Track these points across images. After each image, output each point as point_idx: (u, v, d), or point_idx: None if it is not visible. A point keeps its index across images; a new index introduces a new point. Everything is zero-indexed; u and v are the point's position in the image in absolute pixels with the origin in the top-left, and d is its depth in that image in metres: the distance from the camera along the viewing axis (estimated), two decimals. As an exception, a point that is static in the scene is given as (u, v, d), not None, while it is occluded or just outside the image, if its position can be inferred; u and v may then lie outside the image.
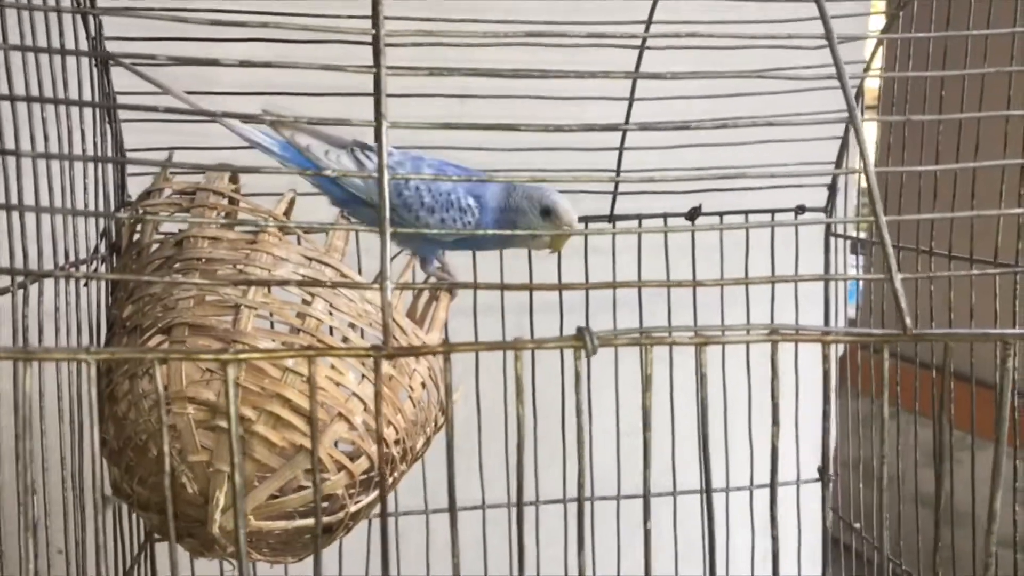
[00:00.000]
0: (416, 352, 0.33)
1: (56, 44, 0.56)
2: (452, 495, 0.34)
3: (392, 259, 0.80)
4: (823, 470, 0.81)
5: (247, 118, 0.59)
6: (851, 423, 0.80)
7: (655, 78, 0.43)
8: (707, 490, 0.36)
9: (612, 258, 0.80)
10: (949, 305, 0.63)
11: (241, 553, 0.33)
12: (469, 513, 0.80)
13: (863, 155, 0.39)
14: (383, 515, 0.36)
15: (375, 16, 0.38)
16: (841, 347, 0.91)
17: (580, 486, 0.35)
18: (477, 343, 0.34)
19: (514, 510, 0.82)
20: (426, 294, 0.71)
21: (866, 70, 0.76)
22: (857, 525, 0.79)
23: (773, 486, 0.35)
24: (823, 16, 0.42)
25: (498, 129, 0.39)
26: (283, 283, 0.41)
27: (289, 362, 0.55)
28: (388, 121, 0.37)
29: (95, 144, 0.63)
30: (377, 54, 0.37)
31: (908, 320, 0.35)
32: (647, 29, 0.72)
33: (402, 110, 0.73)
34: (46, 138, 0.54)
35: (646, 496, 0.35)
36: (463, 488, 0.80)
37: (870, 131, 0.81)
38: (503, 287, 0.36)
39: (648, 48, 0.72)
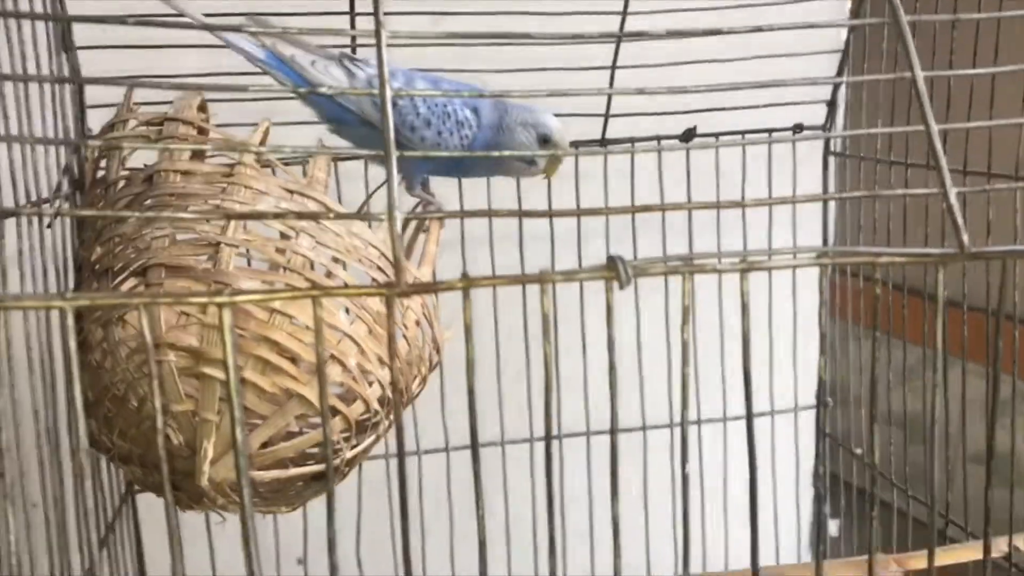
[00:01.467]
0: (432, 288, 0.30)
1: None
2: (474, 436, 0.32)
3: (372, 193, 0.77)
4: (820, 395, 0.79)
5: (229, 28, 0.54)
6: (851, 354, 0.78)
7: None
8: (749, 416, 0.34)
9: (604, 183, 0.76)
10: (987, 222, 0.61)
11: (247, 512, 0.30)
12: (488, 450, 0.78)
13: (908, 52, 0.36)
14: (400, 455, 0.33)
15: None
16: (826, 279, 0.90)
17: (613, 417, 0.32)
18: (499, 277, 0.31)
19: (535, 445, 0.80)
20: (412, 225, 0.67)
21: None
22: (858, 451, 0.78)
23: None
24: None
25: (503, 41, 0.35)
26: (279, 215, 0.37)
27: (276, 304, 0.52)
28: (388, 31, 0.33)
29: (51, 72, 0.57)
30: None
31: (965, 237, 0.32)
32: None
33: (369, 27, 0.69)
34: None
35: (684, 438, 0.32)
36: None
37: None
38: (521, 214, 0.32)
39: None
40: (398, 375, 0.30)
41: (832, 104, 0.78)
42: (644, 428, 0.81)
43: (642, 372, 0.79)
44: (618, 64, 0.73)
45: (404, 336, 0.58)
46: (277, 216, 0.39)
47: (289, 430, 0.54)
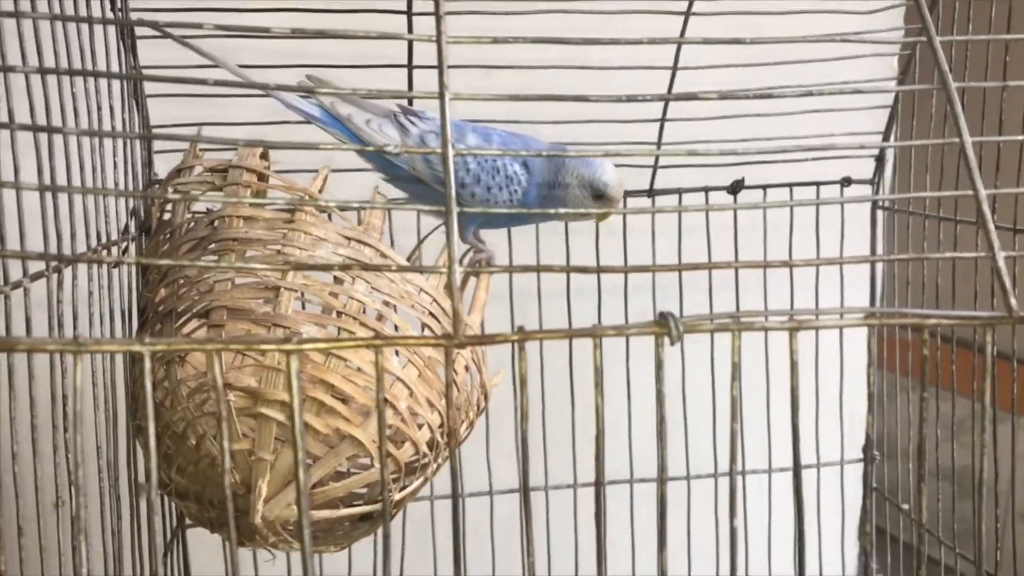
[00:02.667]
0: (488, 341, 0.31)
1: (84, 18, 0.53)
2: (525, 482, 0.32)
3: (422, 240, 0.78)
4: (867, 450, 0.79)
5: (293, 90, 0.56)
6: (898, 405, 0.78)
7: (702, 43, 0.41)
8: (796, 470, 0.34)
9: (652, 237, 0.77)
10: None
11: (306, 554, 0.31)
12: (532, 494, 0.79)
13: (957, 119, 0.37)
14: (454, 499, 0.34)
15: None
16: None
17: (662, 468, 0.33)
18: (553, 331, 0.32)
19: (578, 491, 0.81)
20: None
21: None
22: (905, 506, 0.77)
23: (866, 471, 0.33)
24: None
25: (565, 100, 0.37)
26: (345, 267, 0.39)
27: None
28: (451, 92, 0.34)
29: (123, 121, 0.60)
30: (439, 21, 0.35)
31: (1013, 301, 0.33)
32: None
33: (423, 80, 0.71)
34: (76, 114, 0.52)
35: (732, 493, 0.33)
36: (501, 471, 0.79)
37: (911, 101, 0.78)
38: (569, 270, 0.34)
39: (694, 14, 0.69)
40: (455, 423, 0.31)
41: (880, 159, 0.78)
42: (688, 478, 0.81)
43: (687, 423, 0.80)
44: (668, 117, 0.74)
45: (454, 381, 0.59)
46: (343, 268, 0.40)
47: (340, 470, 0.56)
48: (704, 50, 0.76)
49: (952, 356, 0.68)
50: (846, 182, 0.78)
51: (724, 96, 0.36)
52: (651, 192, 0.79)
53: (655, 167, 0.78)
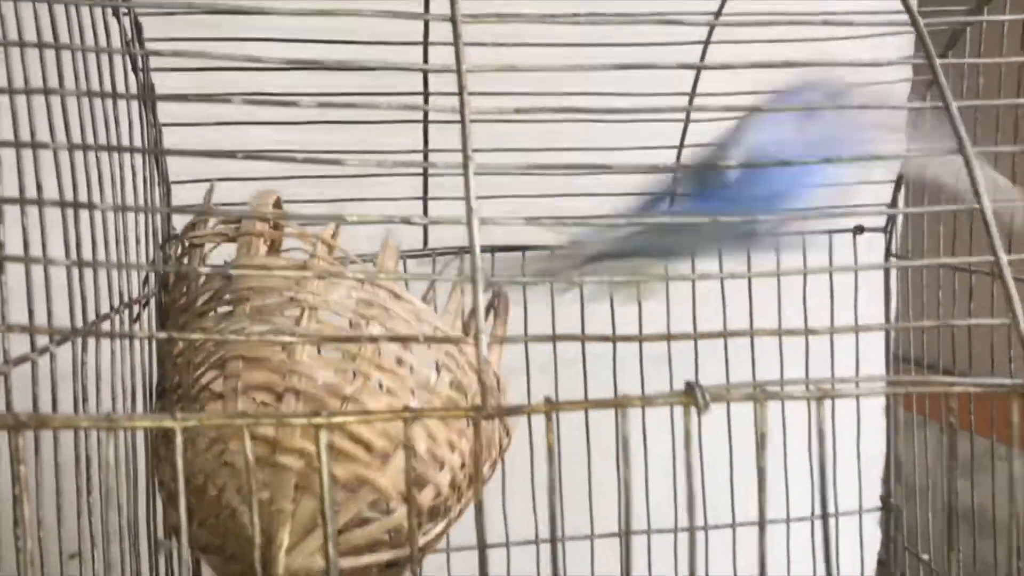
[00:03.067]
0: (517, 412, 0.31)
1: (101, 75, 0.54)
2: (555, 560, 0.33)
3: (433, 282, 0.79)
4: (886, 498, 0.78)
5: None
6: (915, 445, 0.77)
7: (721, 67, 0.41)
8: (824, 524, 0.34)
9: (666, 304, 0.76)
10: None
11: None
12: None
13: (974, 183, 0.37)
14: (480, 547, 0.34)
15: (457, 59, 0.36)
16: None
17: (691, 548, 0.33)
18: (584, 401, 0.32)
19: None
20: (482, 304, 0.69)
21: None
22: (925, 556, 0.77)
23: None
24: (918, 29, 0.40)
25: (586, 171, 0.37)
26: (373, 340, 0.39)
27: (347, 390, 0.53)
28: (475, 163, 0.35)
29: (145, 179, 0.61)
30: (461, 93, 0.35)
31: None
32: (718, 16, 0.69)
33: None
34: (100, 176, 0.52)
35: (763, 564, 0.33)
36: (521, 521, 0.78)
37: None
38: (584, 339, 0.34)
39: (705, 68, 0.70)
40: (480, 495, 0.31)
41: (893, 206, 0.78)
42: (706, 528, 0.81)
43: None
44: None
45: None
46: (373, 339, 0.40)
47: (361, 517, 0.56)
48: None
49: (970, 395, 0.68)
50: (859, 230, 0.78)
51: (742, 165, 0.36)
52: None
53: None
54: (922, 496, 0.75)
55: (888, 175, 0.76)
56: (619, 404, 0.32)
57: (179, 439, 0.30)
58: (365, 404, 0.53)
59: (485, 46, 0.51)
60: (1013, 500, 0.33)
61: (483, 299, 0.67)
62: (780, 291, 0.77)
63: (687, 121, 0.72)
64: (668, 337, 0.35)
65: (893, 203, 0.78)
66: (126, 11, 0.59)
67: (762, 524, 0.33)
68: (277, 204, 0.65)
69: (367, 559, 0.56)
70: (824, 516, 0.33)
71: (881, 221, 0.79)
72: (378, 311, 0.55)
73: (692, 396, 0.32)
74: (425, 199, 0.76)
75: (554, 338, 0.34)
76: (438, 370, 0.57)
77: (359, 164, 0.36)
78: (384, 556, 0.56)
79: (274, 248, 0.67)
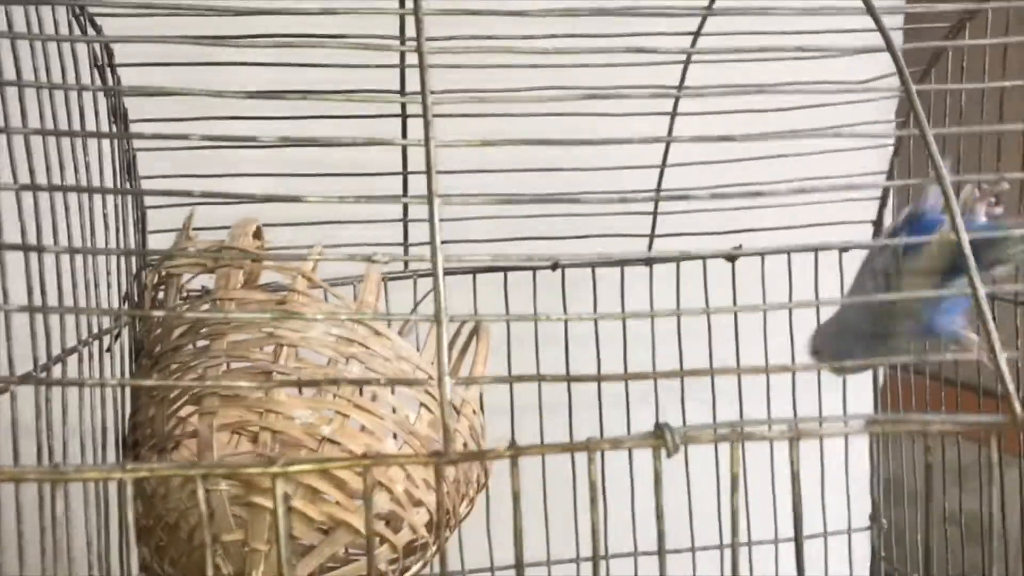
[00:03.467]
0: (481, 457, 0.31)
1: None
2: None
3: (417, 304, 0.78)
4: (874, 517, 0.77)
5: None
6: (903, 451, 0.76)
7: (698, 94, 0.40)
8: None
9: (652, 342, 0.76)
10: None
11: None
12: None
13: (952, 216, 0.36)
14: None
15: (423, 86, 0.36)
16: (881, 377, 0.88)
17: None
18: (548, 445, 0.31)
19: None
20: (463, 336, 0.68)
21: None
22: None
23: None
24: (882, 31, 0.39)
25: (557, 201, 0.36)
26: (333, 383, 0.38)
27: (325, 430, 0.52)
28: (439, 198, 0.34)
29: (116, 206, 0.60)
30: (427, 126, 0.35)
31: (1017, 406, 0.32)
32: (693, 44, 0.69)
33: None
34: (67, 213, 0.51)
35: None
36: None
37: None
38: (570, 379, 0.33)
39: (685, 98, 0.70)
40: (443, 545, 0.30)
41: (878, 224, 0.78)
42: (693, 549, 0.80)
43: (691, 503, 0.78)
44: (663, 188, 0.74)
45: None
46: (333, 383, 0.40)
47: (337, 558, 0.55)
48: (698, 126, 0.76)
49: (957, 399, 0.67)
50: (844, 249, 0.77)
51: (715, 195, 0.35)
52: (649, 261, 0.78)
53: (652, 236, 0.77)
54: (911, 498, 0.74)
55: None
56: (586, 448, 0.31)
57: (129, 491, 0.29)
58: (343, 445, 0.52)
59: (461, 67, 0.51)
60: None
61: (464, 330, 0.67)
62: (766, 323, 0.77)
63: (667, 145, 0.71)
64: (654, 376, 0.33)
65: (878, 219, 0.77)
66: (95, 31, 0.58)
67: (735, 565, 0.32)
68: (257, 232, 0.64)
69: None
70: (798, 550, 0.32)
71: (866, 238, 0.79)
72: (357, 349, 0.55)
73: (661, 438, 0.31)
74: (405, 221, 0.75)
75: (539, 379, 0.33)
76: (419, 410, 0.56)
77: (321, 199, 0.35)
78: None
79: (252, 279, 0.66)
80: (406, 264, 0.76)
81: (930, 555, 0.34)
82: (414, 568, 0.57)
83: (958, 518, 0.73)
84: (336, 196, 0.35)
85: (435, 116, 0.35)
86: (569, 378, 0.33)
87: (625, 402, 0.75)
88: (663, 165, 0.74)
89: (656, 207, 0.76)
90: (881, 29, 0.41)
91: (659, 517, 0.32)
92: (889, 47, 0.40)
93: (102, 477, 0.28)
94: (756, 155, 0.69)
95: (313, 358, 0.55)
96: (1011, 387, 0.32)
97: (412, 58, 0.67)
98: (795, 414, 0.72)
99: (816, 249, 0.78)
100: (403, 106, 0.68)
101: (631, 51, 0.42)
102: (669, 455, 0.31)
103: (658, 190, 0.75)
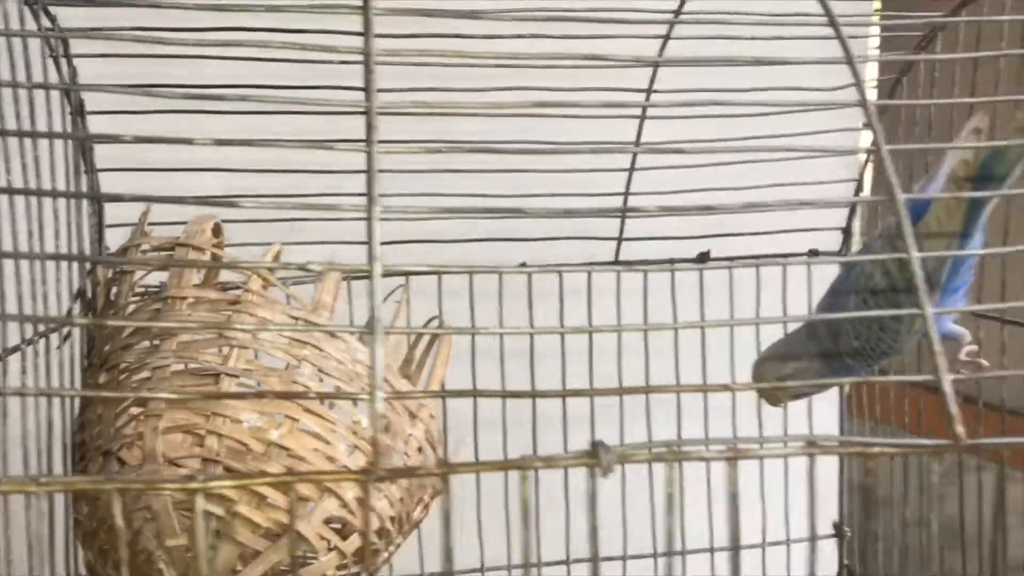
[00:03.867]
0: (411, 473, 0.30)
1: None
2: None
3: (384, 299, 0.77)
4: (839, 526, 0.77)
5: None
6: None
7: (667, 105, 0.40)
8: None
9: (589, 360, 0.75)
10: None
11: None
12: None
13: (905, 236, 0.36)
14: None
15: (368, 87, 0.35)
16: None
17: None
18: (480, 463, 0.30)
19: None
20: (424, 341, 0.67)
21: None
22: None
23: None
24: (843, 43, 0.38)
25: (503, 215, 0.35)
26: (260, 396, 0.37)
27: (274, 435, 0.52)
28: (380, 207, 0.33)
29: (67, 207, 0.59)
30: (369, 130, 0.34)
31: (959, 429, 0.32)
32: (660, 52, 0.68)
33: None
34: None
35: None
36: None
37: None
38: (505, 395, 0.32)
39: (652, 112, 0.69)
40: (371, 562, 0.29)
41: (847, 231, 0.77)
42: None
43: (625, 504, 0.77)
44: (631, 192, 0.73)
45: (405, 464, 0.57)
46: (256, 396, 0.39)
47: (284, 566, 0.54)
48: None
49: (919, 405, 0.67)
50: (812, 254, 0.77)
51: (666, 210, 0.35)
52: (616, 262, 0.78)
53: (620, 239, 0.77)
54: (885, 504, 0.73)
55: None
56: (519, 466, 0.30)
57: (44, 504, 0.28)
58: (292, 450, 0.51)
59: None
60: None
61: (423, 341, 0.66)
62: (733, 340, 0.76)
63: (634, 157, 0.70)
64: (591, 393, 0.33)
65: (848, 227, 0.77)
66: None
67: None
68: (217, 228, 0.63)
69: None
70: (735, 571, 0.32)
71: (835, 245, 0.78)
72: (311, 351, 0.54)
73: (596, 457, 0.31)
74: (369, 221, 0.73)
75: (474, 394, 0.32)
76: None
77: (256, 206, 0.34)
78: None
79: (212, 276, 0.65)
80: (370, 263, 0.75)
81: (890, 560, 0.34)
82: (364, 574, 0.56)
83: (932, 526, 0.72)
84: (272, 201, 0.34)
85: (412, 113, 0.34)
86: (505, 394, 0.32)
87: (590, 416, 0.74)
88: (631, 169, 0.74)
89: (624, 211, 0.76)
90: (841, 40, 0.40)
91: (593, 538, 0.31)
92: (849, 60, 0.40)
93: (14, 490, 0.27)
94: (725, 161, 0.69)
95: (266, 360, 0.54)
96: (954, 410, 0.32)
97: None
98: (759, 431, 0.72)
99: (784, 263, 0.77)
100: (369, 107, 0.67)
101: (591, 58, 0.41)
102: (604, 475, 0.31)
103: (626, 196, 0.75)
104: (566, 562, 0.77)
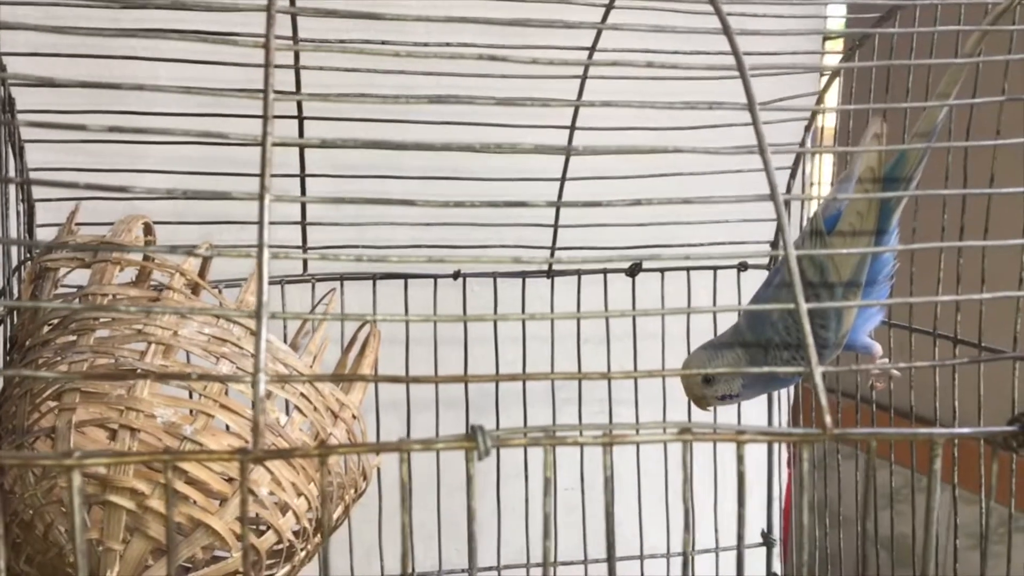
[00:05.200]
0: (288, 455, 0.30)
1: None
2: None
3: (314, 307, 0.78)
4: (767, 534, 0.78)
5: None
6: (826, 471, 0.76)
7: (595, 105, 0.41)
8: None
9: (551, 337, 0.76)
10: (909, 381, 0.61)
11: None
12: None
13: (783, 238, 0.37)
14: None
15: (266, 83, 0.35)
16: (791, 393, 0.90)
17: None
18: (357, 445, 0.31)
19: None
20: (356, 346, 0.67)
21: (819, 102, 0.74)
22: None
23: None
24: (745, 84, 0.40)
25: (396, 204, 0.36)
26: (143, 376, 0.37)
27: (188, 430, 0.52)
28: (271, 195, 0.34)
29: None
30: (265, 123, 0.34)
31: (828, 419, 0.33)
32: (590, 56, 0.69)
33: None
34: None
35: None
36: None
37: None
38: (377, 380, 0.33)
39: (589, 77, 0.70)
40: (247, 549, 0.29)
41: (775, 245, 0.79)
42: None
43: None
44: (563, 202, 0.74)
45: (328, 467, 0.58)
46: (126, 376, 0.39)
47: (197, 560, 0.54)
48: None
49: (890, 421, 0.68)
50: (743, 267, 0.78)
51: (590, 203, 0.36)
52: (550, 273, 0.79)
53: (553, 248, 0.78)
54: (833, 517, 0.74)
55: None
56: (399, 448, 0.31)
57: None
58: (205, 445, 0.51)
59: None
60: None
61: (362, 334, 0.66)
62: (665, 328, 0.77)
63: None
64: (466, 379, 0.34)
65: (775, 241, 0.79)
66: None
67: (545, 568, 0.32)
68: (148, 228, 0.63)
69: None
70: (611, 567, 0.33)
71: (764, 259, 0.80)
72: (230, 348, 0.54)
73: (474, 440, 0.31)
74: (304, 224, 0.74)
75: (347, 378, 0.33)
76: (288, 412, 0.56)
77: (146, 195, 0.35)
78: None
79: (143, 277, 0.65)
80: (305, 266, 0.76)
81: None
82: (280, 572, 0.56)
83: (887, 541, 0.73)
84: (165, 191, 0.34)
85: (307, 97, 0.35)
86: (378, 379, 0.33)
87: (435, 407, 0.76)
88: (563, 179, 0.75)
89: (557, 219, 0.77)
90: (735, 52, 0.41)
91: (470, 519, 0.32)
92: (741, 70, 0.41)
93: None
94: (657, 171, 0.70)
95: (184, 358, 0.54)
96: (823, 401, 0.33)
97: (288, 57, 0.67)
98: (637, 418, 0.73)
99: (715, 268, 0.79)
100: (299, 104, 0.68)
101: (527, 62, 0.42)
102: (480, 458, 0.31)
103: (559, 201, 0.75)
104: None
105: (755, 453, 0.82)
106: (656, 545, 0.82)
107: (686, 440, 0.32)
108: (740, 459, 0.33)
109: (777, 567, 0.84)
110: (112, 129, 0.34)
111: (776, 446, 0.83)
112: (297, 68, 0.65)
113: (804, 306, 0.34)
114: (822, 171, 0.79)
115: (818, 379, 0.33)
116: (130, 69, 0.68)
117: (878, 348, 0.62)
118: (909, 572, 0.67)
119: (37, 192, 0.68)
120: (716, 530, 0.81)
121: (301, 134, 0.68)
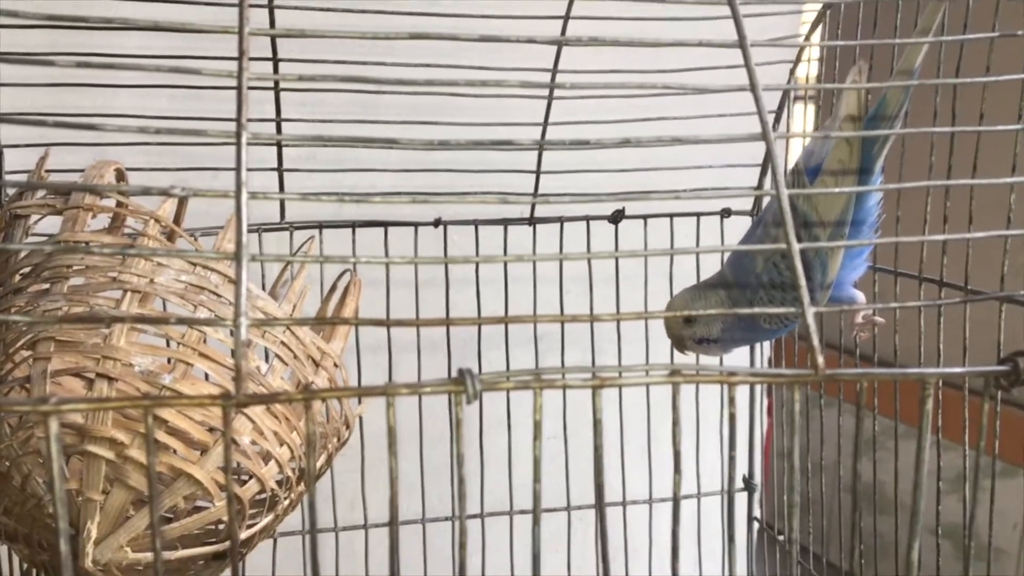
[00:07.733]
0: (272, 400, 0.29)
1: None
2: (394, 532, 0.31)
3: (294, 254, 0.77)
4: (748, 479, 0.79)
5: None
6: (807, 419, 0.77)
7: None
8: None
9: (533, 280, 0.76)
10: (894, 326, 0.61)
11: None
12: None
13: (775, 176, 0.36)
14: (312, 532, 0.32)
15: (240, 11, 0.34)
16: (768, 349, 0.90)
17: (461, 530, 0.32)
18: (345, 389, 0.30)
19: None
20: (336, 294, 0.66)
21: (793, 69, 0.73)
22: (781, 537, 0.77)
23: (675, 548, 0.32)
24: (737, 21, 0.39)
25: (367, 144, 0.35)
26: (119, 320, 0.36)
27: (166, 379, 0.51)
28: (248, 134, 0.33)
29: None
30: (241, 58, 0.33)
31: (820, 360, 0.32)
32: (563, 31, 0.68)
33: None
34: None
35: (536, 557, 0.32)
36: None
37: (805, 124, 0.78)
38: (358, 323, 0.32)
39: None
40: (231, 497, 0.29)
41: (759, 188, 0.78)
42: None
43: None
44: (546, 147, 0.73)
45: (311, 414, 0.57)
46: (102, 320, 0.38)
47: (179, 510, 0.53)
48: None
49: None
50: (726, 213, 0.78)
51: (577, 142, 0.35)
52: (532, 220, 0.78)
53: (534, 196, 0.76)
54: (813, 468, 0.75)
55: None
56: (386, 392, 0.30)
57: None
58: (185, 392, 0.51)
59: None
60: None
61: (342, 282, 0.65)
62: (648, 275, 0.77)
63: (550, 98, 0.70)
64: (447, 323, 0.33)
65: (759, 186, 0.78)
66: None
67: (536, 516, 0.31)
68: (120, 175, 0.62)
69: (183, 553, 0.54)
70: (600, 516, 0.32)
71: (748, 204, 0.79)
72: (208, 297, 0.53)
73: (462, 383, 0.31)
74: (280, 171, 0.73)
75: (328, 321, 0.32)
76: (267, 359, 0.55)
77: (117, 129, 0.34)
78: (201, 550, 0.54)
79: (118, 224, 0.63)
80: (283, 214, 0.75)
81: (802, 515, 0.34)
82: (263, 522, 0.56)
83: (869, 488, 0.74)
84: (148, 126, 0.33)
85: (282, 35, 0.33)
86: (359, 322, 0.32)
87: (416, 350, 0.76)
88: (545, 123, 0.74)
89: (539, 165, 0.76)
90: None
91: (458, 464, 0.31)
92: (731, 5, 0.40)
93: None
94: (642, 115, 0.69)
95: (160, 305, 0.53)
96: (816, 342, 0.33)
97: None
98: (619, 362, 0.73)
99: (699, 215, 0.78)
100: (273, 44, 0.66)
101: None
102: (469, 401, 0.31)
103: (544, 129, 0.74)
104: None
105: (737, 399, 0.83)
106: (639, 491, 0.83)
107: (676, 382, 0.32)
108: (731, 401, 0.33)
109: (757, 512, 0.85)
110: (80, 65, 0.33)
111: (759, 392, 0.83)
112: (271, 7, 0.63)
113: (796, 245, 0.34)
114: (806, 121, 0.79)
115: (810, 319, 0.33)
116: (97, 10, 0.66)
117: (862, 298, 0.62)
118: (887, 518, 0.68)
119: (6, 136, 0.66)
120: (698, 475, 0.81)
121: (278, 112, 0.67)
